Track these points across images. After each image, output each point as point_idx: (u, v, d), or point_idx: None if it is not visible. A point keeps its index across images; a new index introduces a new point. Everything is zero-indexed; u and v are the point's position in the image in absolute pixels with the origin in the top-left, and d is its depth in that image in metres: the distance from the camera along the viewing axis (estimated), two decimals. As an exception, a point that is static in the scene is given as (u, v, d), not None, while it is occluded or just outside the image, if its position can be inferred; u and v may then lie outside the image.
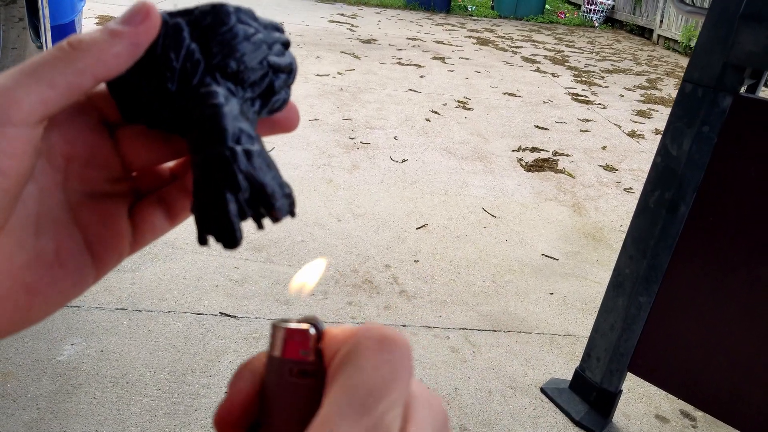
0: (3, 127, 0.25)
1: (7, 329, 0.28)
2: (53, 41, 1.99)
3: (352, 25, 8.16)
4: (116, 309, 2.02)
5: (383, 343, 0.23)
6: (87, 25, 5.85)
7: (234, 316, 2.06)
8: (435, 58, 6.70)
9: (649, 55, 8.72)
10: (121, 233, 0.33)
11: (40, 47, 1.83)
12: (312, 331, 0.26)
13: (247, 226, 0.29)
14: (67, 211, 0.30)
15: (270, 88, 0.31)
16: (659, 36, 9.90)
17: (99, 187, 0.32)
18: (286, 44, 0.33)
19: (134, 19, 0.28)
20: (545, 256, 2.75)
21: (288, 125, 0.35)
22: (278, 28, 0.33)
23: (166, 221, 0.35)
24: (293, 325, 0.26)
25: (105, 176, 0.32)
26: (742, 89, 1.58)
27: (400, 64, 6.18)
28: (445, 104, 4.93)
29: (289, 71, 0.32)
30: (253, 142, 0.28)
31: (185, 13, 0.30)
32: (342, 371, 0.23)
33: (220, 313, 2.07)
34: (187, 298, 2.11)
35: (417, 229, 2.84)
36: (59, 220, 0.30)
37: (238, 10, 0.32)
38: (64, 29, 2.07)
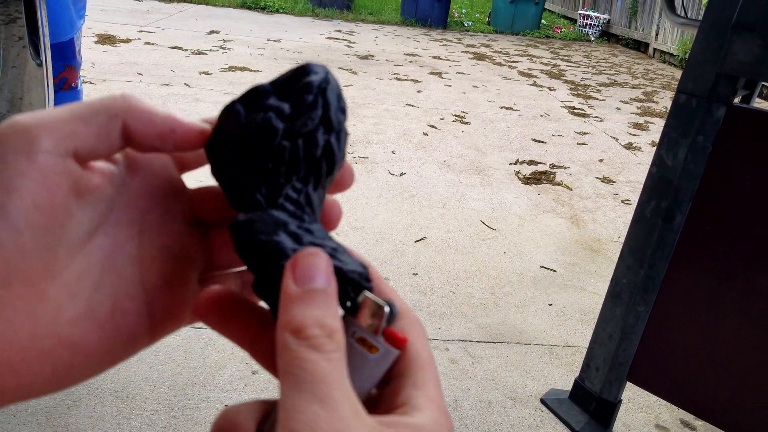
0: (34, 154, 0.24)
1: (44, 390, 0.26)
2: (53, 59, 2.01)
3: (350, 42, 8.22)
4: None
5: (315, 348, 0.24)
6: (85, 43, 5.90)
7: (233, 330, 2.06)
8: (432, 73, 6.75)
9: (645, 69, 8.79)
10: (186, 299, 0.31)
11: (40, 65, 1.86)
12: (386, 309, 0.28)
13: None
14: (136, 267, 0.29)
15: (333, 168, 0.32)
16: (655, 49, 9.99)
17: (174, 243, 0.31)
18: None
19: (189, 125, 0.28)
20: (544, 267, 2.76)
21: (342, 186, 0.34)
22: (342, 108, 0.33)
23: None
24: (372, 297, 0.28)
25: (181, 232, 0.31)
26: (737, 99, 1.59)
27: (397, 79, 6.22)
28: (442, 118, 4.96)
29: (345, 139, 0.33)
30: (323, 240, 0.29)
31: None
32: (285, 375, 0.24)
33: (220, 326, 2.07)
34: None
35: (416, 242, 2.85)
36: (124, 276, 0.28)
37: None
38: (63, 47, 2.09)
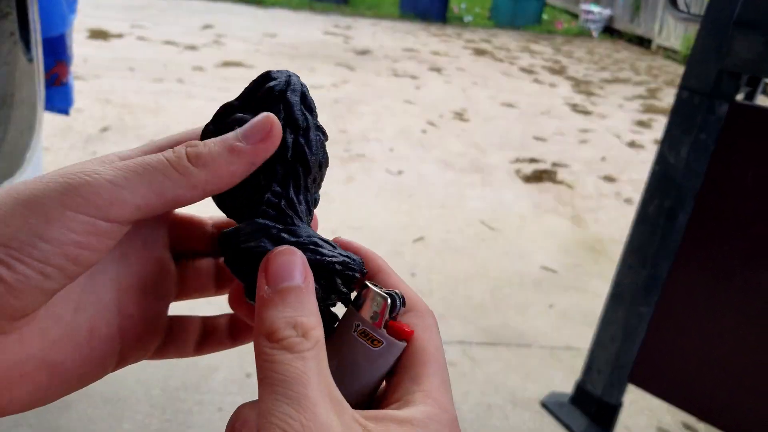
0: (98, 220, 0.24)
1: (17, 409, 0.26)
2: (44, 54, 1.98)
3: (347, 37, 8.18)
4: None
5: (288, 348, 0.24)
6: (78, 39, 5.87)
7: (228, 332, 2.03)
8: (431, 69, 6.71)
9: (648, 65, 8.74)
10: (156, 332, 0.32)
11: (31, 60, 1.83)
12: (389, 301, 0.28)
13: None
14: (114, 294, 0.29)
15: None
16: (658, 45, 9.94)
17: (152, 271, 0.31)
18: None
19: (256, 136, 0.27)
20: (545, 268, 2.72)
21: None
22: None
23: (196, 339, 0.35)
24: (376, 289, 0.28)
25: (158, 273, 0.32)
26: (740, 96, 1.56)
27: (395, 75, 6.18)
28: (441, 115, 4.92)
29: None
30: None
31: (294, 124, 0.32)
32: (262, 378, 0.24)
33: (214, 328, 2.04)
34: (179, 313, 2.08)
35: (414, 241, 2.81)
36: (102, 302, 0.29)
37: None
38: (54, 42, 2.06)
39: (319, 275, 0.28)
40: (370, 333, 0.27)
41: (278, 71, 0.31)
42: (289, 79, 0.31)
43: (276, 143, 0.28)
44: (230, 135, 0.27)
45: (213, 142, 0.27)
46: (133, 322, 0.30)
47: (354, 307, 0.29)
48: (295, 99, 0.31)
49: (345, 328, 0.28)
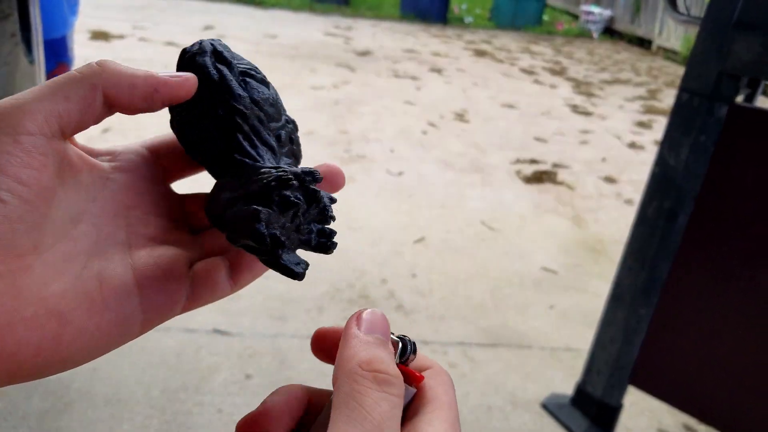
0: (18, 135, 0.25)
1: (33, 360, 0.26)
2: (45, 56, 1.99)
3: (348, 38, 8.18)
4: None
5: (381, 380, 0.25)
6: (79, 40, 5.87)
7: (227, 333, 2.03)
8: (431, 69, 6.71)
9: (648, 66, 8.74)
10: (179, 285, 0.32)
11: (32, 62, 1.83)
12: (399, 346, 0.29)
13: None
14: (124, 254, 0.30)
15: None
16: (659, 46, 9.93)
17: (162, 234, 0.32)
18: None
19: (172, 75, 0.30)
20: (545, 269, 2.72)
21: (334, 187, 0.36)
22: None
23: (229, 282, 0.34)
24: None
25: (166, 226, 0.33)
26: (740, 98, 1.56)
27: (396, 76, 6.19)
28: (442, 116, 4.93)
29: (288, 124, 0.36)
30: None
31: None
32: (344, 402, 0.24)
33: (213, 329, 2.04)
34: (179, 315, 2.09)
35: (414, 242, 2.81)
36: (113, 260, 0.29)
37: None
38: (56, 44, 2.07)
39: (269, 195, 0.29)
40: None
41: (194, 43, 0.34)
42: (199, 45, 0.33)
43: (186, 89, 0.30)
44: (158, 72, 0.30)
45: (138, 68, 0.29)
46: (150, 276, 0.30)
47: None
48: (203, 59, 0.32)
49: None
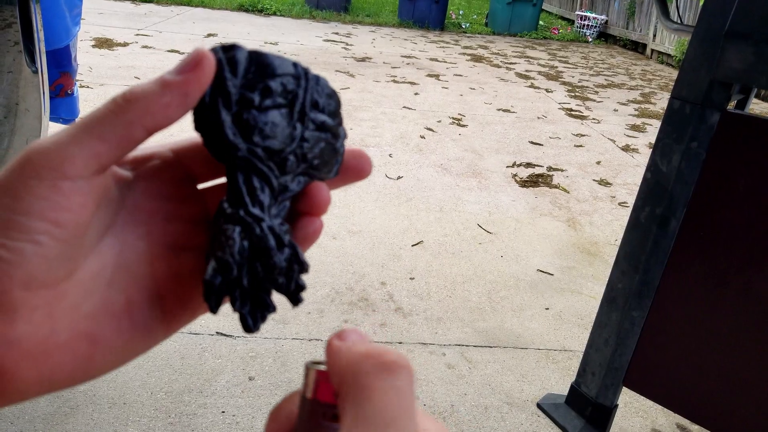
0: (57, 180, 0.25)
1: (66, 380, 0.28)
2: (48, 66, 2.02)
3: (347, 44, 8.23)
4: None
5: (385, 368, 0.23)
6: (82, 47, 5.90)
7: (230, 336, 2.06)
8: (429, 75, 6.76)
9: (642, 70, 8.80)
10: (199, 293, 0.32)
11: (35, 72, 1.86)
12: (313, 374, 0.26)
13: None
14: (146, 264, 0.30)
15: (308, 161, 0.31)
16: (653, 50, 10.00)
17: (181, 241, 0.32)
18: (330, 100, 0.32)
19: (186, 66, 0.27)
20: (540, 271, 2.76)
21: (359, 174, 0.34)
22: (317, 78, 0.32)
23: None
24: (326, 367, 0.25)
25: (188, 231, 0.32)
26: (732, 104, 1.60)
27: (394, 81, 6.23)
28: (439, 121, 4.97)
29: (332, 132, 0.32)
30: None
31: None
32: (351, 404, 0.23)
33: (217, 332, 2.07)
34: (183, 318, 2.12)
35: (412, 246, 2.85)
36: (135, 273, 0.30)
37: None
38: (59, 54, 2.10)
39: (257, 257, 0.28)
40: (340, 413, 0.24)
41: (220, 46, 0.30)
42: (224, 50, 0.29)
43: (207, 72, 0.28)
44: (166, 71, 0.28)
45: (148, 81, 0.28)
46: (171, 287, 0.31)
47: (308, 395, 0.26)
48: (226, 74, 0.29)
49: (309, 421, 0.25)
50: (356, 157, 0.34)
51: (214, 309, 0.29)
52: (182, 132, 0.34)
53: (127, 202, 0.30)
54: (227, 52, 0.29)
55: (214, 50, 0.29)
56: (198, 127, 0.29)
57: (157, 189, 0.32)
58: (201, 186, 0.34)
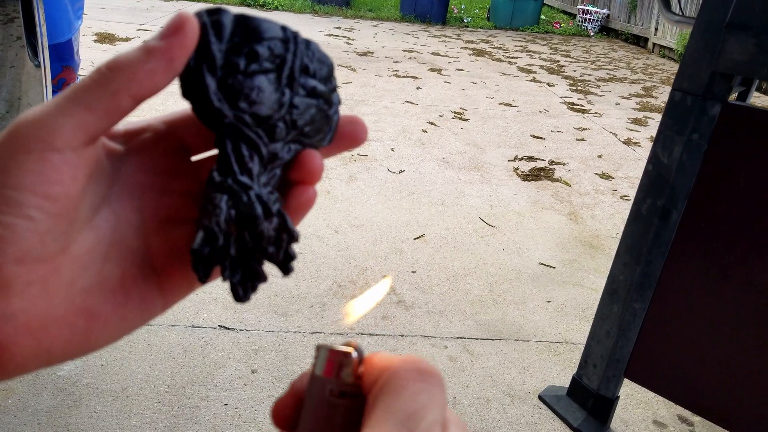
0: (46, 153, 0.25)
1: (64, 353, 0.28)
2: (51, 60, 2.02)
3: (349, 39, 8.22)
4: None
5: (421, 373, 0.25)
6: (84, 42, 5.89)
7: (233, 329, 2.07)
8: (431, 69, 6.75)
9: (644, 64, 8.78)
10: None
11: (38, 66, 1.87)
12: (354, 354, 0.27)
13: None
14: (141, 238, 0.30)
15: (299, 130, 0.30)
16: (654, 44, 9.97)
17: (175, 214, 0.32)
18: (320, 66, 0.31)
19: (168, 32, 0.27)
20: (542, 264, 2.76)
21: (353, 141, 0.33)
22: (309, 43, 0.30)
23: None
24: (337, 347, 0.27)
25: (182, 203, 0.32)
26: (734, 96, 1.59)
27: (396, 76, 6.22)
28: (441, 115, 4.96)
29: (325, 99, 0.31)
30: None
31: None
32: (383, 397, 0.25)
33: (219, 325, 2.08)
34: (186, 312, 2.13)
35: (414, 239, 2.85)
36: (131, 247, 0.30)
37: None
38: (61, 48, 2.10)
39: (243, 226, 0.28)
40: (348, 391, 0.27)
41: (205, 10, 0.28)
42: (209, 13, 0.28)
43: (191, 36, 0.27)
44: (148, 39, 0.27)
45: (132, 48, 0.27)
46: (166, 260, 0.31)
47: (318, 373, 0.27)
48: (211, 38, 0.28)
49: (318, 396, 0.27)
50: (350, 123, 0.33)
51: (202, 278, 0.29)
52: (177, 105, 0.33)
53: (120, 176, 0.30)
54: (212, 16, 0.28)
55: (198, 14, 0.28)
56: (185, 93, 0.29)
57: (150, 162, 0.31)
58: (196, 157, 0.33)
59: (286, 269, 0.30)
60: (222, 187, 0.28)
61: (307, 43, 0.30)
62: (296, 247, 2.67)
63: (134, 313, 0.30)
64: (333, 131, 0.32)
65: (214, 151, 0.31)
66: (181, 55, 0.27)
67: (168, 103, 3.86)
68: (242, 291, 0.29)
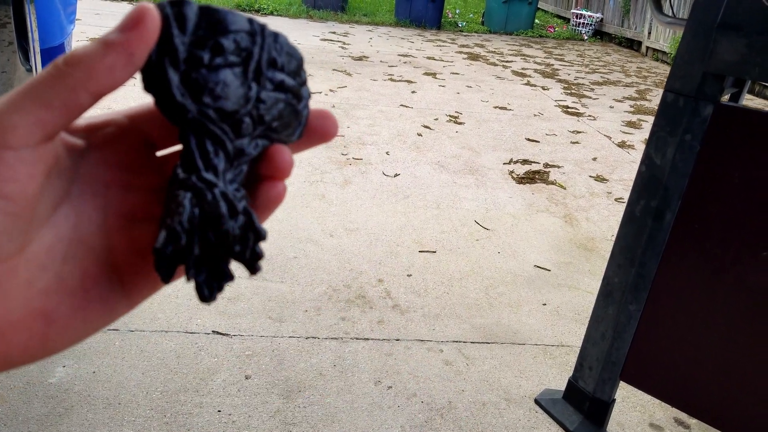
0: (0, 151, 0.24)
1: (21, 357, 0.27)
2: (43, 64, 2.01)
3: (344, 43, 8.22)
4: (108, 329, 2.02)
5: None
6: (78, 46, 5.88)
7: (227, 334, 2.06)
8: (426, 73, 6.76)
9: (638, 67, 8.81)
10: None
11: (30, 70, 1.85)
12: None
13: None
14: (103, 236, 0.29)
15: (266, 124, 0.29)
16: (648, 48, 10.01)
17: (140, 211, 0.31)
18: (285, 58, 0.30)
19: (127, 25, 0.26)
20: (538, 267, 2.76)
21: (323, 135, 0.32)
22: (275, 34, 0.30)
23: None
24: None
25: (146, 201, 0.31)
26: (726, 98, 1.59)
27: (391, 80, 6.23)
28: (436, 119, 4.96)
29: (293, 92, 0.30)
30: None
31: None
32: None
33: (213, 331, 2.07)
34: (179, 317, 2.11)
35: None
36: (92, 246, 0.29)
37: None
38: (53, 52, 2.09)
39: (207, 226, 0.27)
40: None
41: (167, 1, 0.28)
42: (171, 5, 0.27)
43: (151, 28, 0.26)
44: (107, 32, 0.26)
45: (91, 43, 0.26)
46: (129, 260, 0.30)
47: None
48: (173, 30, 0.27)
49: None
50: (320, 117, 0.32)
51: (165, 279, 0.28)
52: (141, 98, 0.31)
53: (81, 173, 0.29)
54: (175, 7, 0.27)
55: (160, 6, 0.27)
56: (147, 87, 0.28)
57: (112, 158, 0.30)
58: (161, 153, 0.32)
59: (253, 268, 0.29)
60: (186, 184, 0.27)
61: (275, 36, 0.30)
62: (292, 252, 2.64)
63: (96, 315, 0.29)
64: (302, 126, 0.31)
65: (179, 147, 0.30)
66: (141, 48, 0.26)
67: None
68: (207, 291, 0.28)
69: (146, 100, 0.30)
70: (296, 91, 0.30)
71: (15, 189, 0.25)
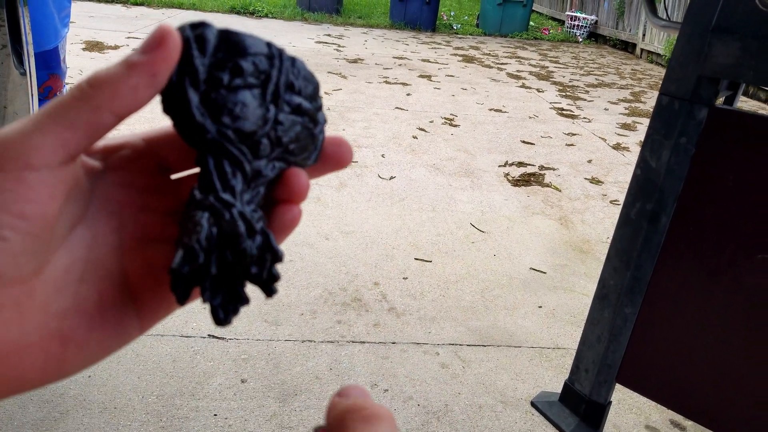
0: (21, 172, 0.24)
1: (38, 380, 0.27)
2: (37, 68, 2.00)
3: (339, 46, 8.23)
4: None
5: (365, 420, 0.24)
6: (73, 50, 5.87)
7: (222, 338, 2.05)
8: (421, 76, 6.76)
9: (632, 69, 8.84)
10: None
11: (24, 74, 1.85)
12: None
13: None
14: (118, 257, 0.29)
15: (284, 147, 0.30)
16: (642, 50, 10.05)
17: (154, 233, 0.31)
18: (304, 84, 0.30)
19: (150, 45, 0.26)
20: (533, 269, 2.76)
21: (338, 162, 0.32)
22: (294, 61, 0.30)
23: None
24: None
25: (161, 223, 0.31)
26: (721, 100, 1.60)
27: (386, 82, 6.23)
28: (431, 121, 4.97)
29: (310, 117, 0.31)
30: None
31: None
32: None
33: (209, 335, 2.06)
34: (174, 321, 2.11)
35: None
36: (107, 267, 0.29)
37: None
38: (47, 56, 2.08)
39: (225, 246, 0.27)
40: None
41: (188, 24, 0.28)
42: (192, 27, 0.27)
43: (173, 49, 0.26)
44: (128, 54, 0.26)
45: (113, 64, 0.26)
46: (144, 282, 0.30)
47: None
48: (194, 52, 0.27)
49: None
50: (335, 144, 0.32)
51: (181, 300, 0.27)
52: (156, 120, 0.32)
53: (97, 194, 0.29)
54: (195, 30, 0.27)
55: (181, 28, 0.27)
56: (166, 108, 0.28)
57: (128, 179, 0.30)
58: (176, 176, 0.32)
59: (269, 290, 0.29)
60: (203, 204, 0.27)
61: (293, 60, 0.30)
62: (287, 255, 2.64)
63: (111, 337, 0.29)
64: (318, 150, 0.31)
65: (195, 170, 0.30)
66: (163, 69, 0.26)
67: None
68: (223, 314, 0.28)
69: (163, 123, 0.31)
70: (313, 115, 0.31)
71: (35, 210, 0.25)
